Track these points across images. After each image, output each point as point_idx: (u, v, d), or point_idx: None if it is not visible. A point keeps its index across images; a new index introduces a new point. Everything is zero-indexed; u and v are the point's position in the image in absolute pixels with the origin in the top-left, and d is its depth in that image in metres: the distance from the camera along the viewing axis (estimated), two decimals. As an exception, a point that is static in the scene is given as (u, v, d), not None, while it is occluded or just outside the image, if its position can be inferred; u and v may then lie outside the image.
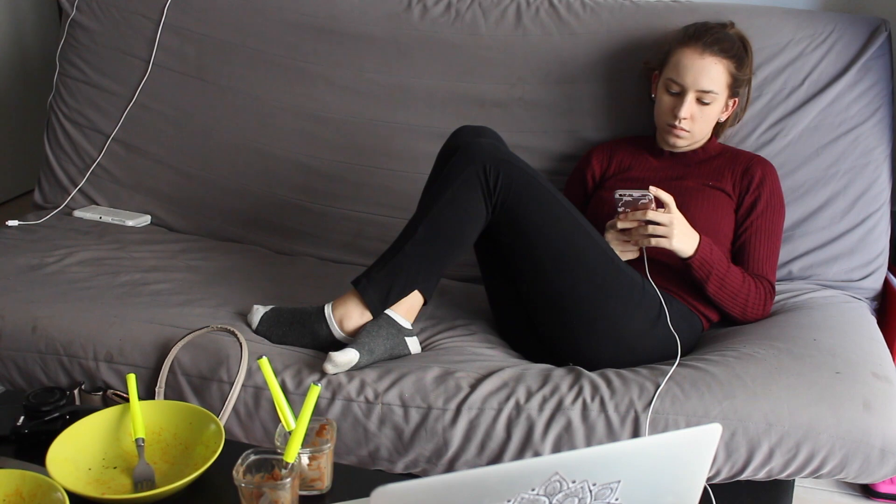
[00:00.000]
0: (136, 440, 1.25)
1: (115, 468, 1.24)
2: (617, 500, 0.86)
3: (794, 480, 1.60)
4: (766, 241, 1.78)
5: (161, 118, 2.32)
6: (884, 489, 1.88)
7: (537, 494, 0.82)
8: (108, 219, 2.28)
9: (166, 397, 1.63)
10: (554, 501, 0.83)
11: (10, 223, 2.27)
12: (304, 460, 1.13)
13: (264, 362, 1.20)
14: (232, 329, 1.66)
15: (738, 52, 1.81)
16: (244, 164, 2.26)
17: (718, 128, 1.90)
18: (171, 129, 2.31)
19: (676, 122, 1.78)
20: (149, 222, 2.31)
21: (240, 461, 1.10)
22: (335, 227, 2.18)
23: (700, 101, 1.77)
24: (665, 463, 0.87)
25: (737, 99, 1.85)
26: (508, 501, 0.81)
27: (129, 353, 1.68)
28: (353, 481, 1.22)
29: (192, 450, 1.24)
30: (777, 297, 1.85)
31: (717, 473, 1.47)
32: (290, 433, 1.13)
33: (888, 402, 1.46)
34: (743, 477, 1.47)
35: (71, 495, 1.09)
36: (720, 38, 1.79)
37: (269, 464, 1.11)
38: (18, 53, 3.11)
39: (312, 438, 1.18)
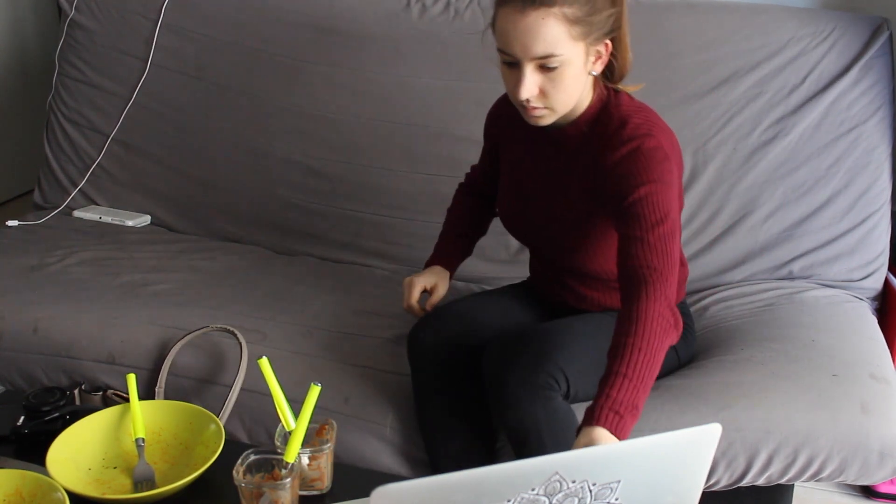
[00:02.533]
0: (136, 440, 1.25)
1: (115, 468, 1.24)
2: (617, 500, 0.86)
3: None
4: (645, 229, 1.36)
5: (160, 118, 2.32)
6: (884, 489, 1.88)
7: (537, 494, 0.82)
8: (107, 219, 2.28)
9: (166, 398, 1.62)
10: (554, 501, 0.83)
11: (10, 223, 2.27)
12: (304, 460, 1.13)
13: (264, 363, 1.20)
14: (232, 329, 1.66)
15: None
16: (244, 164, 2.25)
17: (604, 76, 1.44)
18: (171, 129, 2.31)
19: (525, 103, 1.36)
20: (149, 222, 2.31)
21: (240, 461, 1.10)
22: (335, 227, 2.18)
23: (544, 68, 1.32)
24: (665, 463, 0.87)
25: (607, 41, 1.36)
26: (508, 501, 0.81)
27: (130, 355, 1.68)
28: (353, 481, 1.22)
29: (192, 450, 1.24)
30: (779, 293, 1.85)
31: (717, 482, 1.46)
32: (290, 433, 1.13)
33: (886, 404, 1.46)
34: (742, 484, 1.47)
35: (71, 495, 1.09)
36: None
37: (269, 464, 1.11)
38: (18, 53, 3.11)
39: (312, 438, 1.18)
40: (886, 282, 1.94)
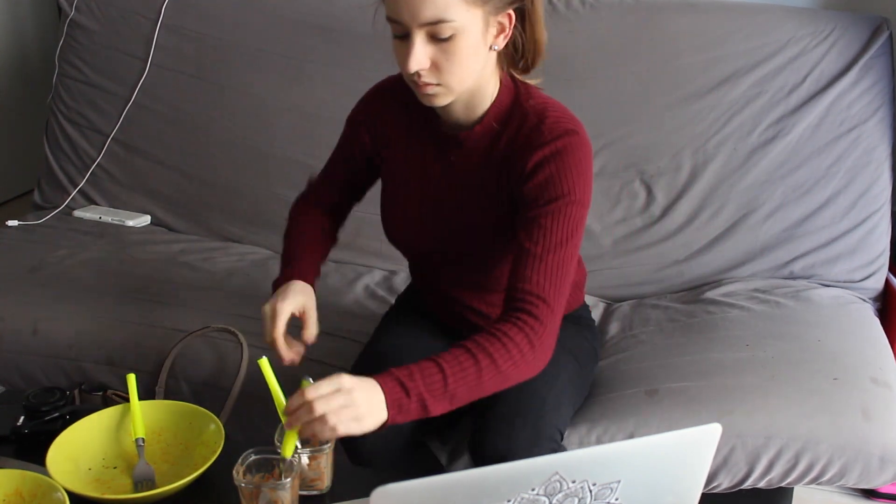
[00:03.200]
0: (136, 440, 1.24)
1: (115, 468, 1.24)
2: (617, 500, 0.86)
3: (794, 482, 1.61)
4: (547, 248, 1.21)
5: (160, 118, 2.32)
6: (885, 490, 1.88)
7: (537, 494, 0.81)
8: (107, 219, 2.28)
9: (166, 398, 1.62)
10: (554, 501, 0.83)
11: (10, 223, 2.27)
12: (304, 460, 1.12)
13: (264, 362, 1.19)
14: (232, 329, 1.66)
15: None
16: (244, 164, 2.25)
17: (511, 61, 1.29)
18: (171, 129, 2.31)
19: (416, 78, 1.20)
20: (149, 222, 2.31)
21: (240, 461, 1.10)
22: (335, 227, 2.18)
23: (436, 39, 1.16)
24: (665, 463, 0.87)
25: (509, 12, 1.20)
26: (508, 501, 0.81)
27: (130, 356, 1.68)
28: (353, 481, 1.22)
29: (192, 450, 1.24)
30: (787, 290, 1.84)
31: (718, 485, 1.46)
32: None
33: (887, 408, 1.46)
34: (743, 487, 1.47)
35: (71, 495, 1.09)
36: None
37: (270, 464, 1.11)
38: (18, 53, 3.11)
39: (313, 439, 1.17)
40: (887, 282, 1.94)
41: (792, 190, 1.94)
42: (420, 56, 1.17)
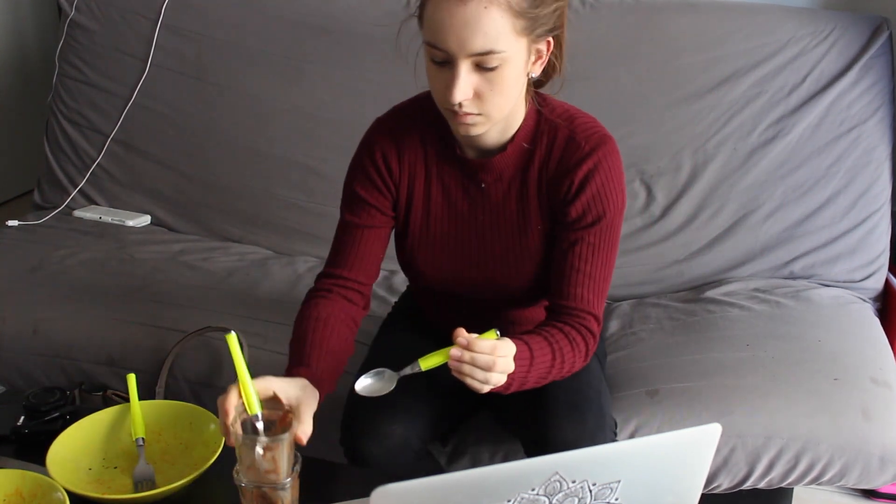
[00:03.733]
0: (136, 440, 1.24)
1: (115, 468, 1.24)
2: (617, 500, 0.86)
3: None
4: (596, 264, 1.24)
5: (160, 118, 2.32)
6: (885, 489, 1.88)
7: (537, 494, 0.81)
8: (107, 219, 2.28)
9: (166, 399, 1.62)
10: (554, 501, 0.83)
11: (10, 223, 2.27)
12: (258, 450, 1.06)
13: (231, 338, 1.09)
14: (232, 329, 1.66)
15: None
16: (244, 164, 2.25)
17: (538, 83, 1.27)
18: (171, 129, 2.31)
19: (456, 108, 1.15)
20: (149, 222, 2.31)
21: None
22: (334, 227, 2.17)
23: (481, 68, 1.13)
24: (665, 463, 0.87)
25: (549, 38, 1.19)
26: (508, 501, 0.81)
27: (130, 356, 1.68)
28: (353, 481, 1.22)
29: (192, 450, 1.24)
30: (787, 290, 1.84)
31: (718, 486, 1.47)
32: (251, 415, 1.08)
33: (887, 409, 1.46)
34: (743, 488, 1.47)
35: (71, 495, 1.09)
36: None
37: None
38: (18, 53, 3.11)
39: (274, 427, 1.11)
40: (887, 282, 1.94)
41: (792, 190, 1.94)
42: (465, 86, 1.13)
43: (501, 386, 1.12)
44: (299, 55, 2.23)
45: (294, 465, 1.07)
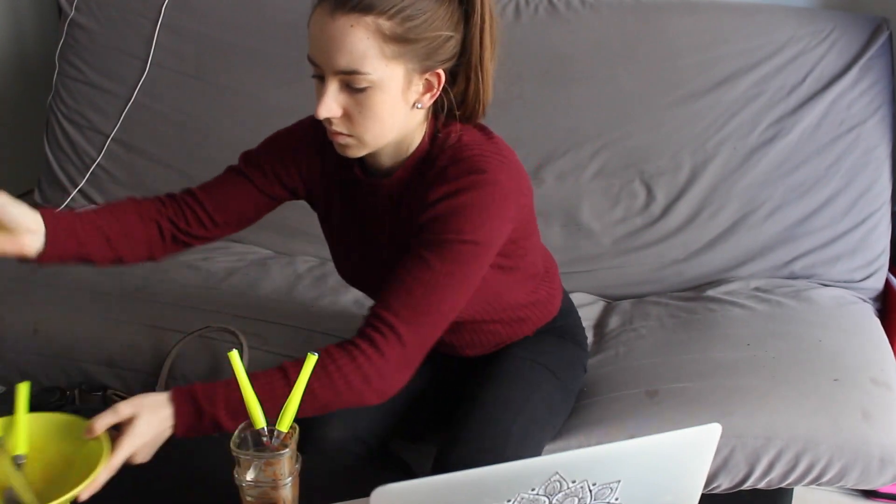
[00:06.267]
0: (15, 457, 1.08)
1: None
2: (617, 499, 0.86)
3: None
4: (420, 280, 1.12)
5: (160, 118, 2.32)
6: (884, 490, 1.88)
7: (537, 494, 0.81)
8: (107, 219, 2.28)
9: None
10: (554, 501, 0.83)
11: (10, 223, 2.26)
12: (251, 474, 1.04)
13: (234, 356, 1.07)
14: (232, 329, 1.66)
15: None
16: (244, 164, 2.25)
17: (447, 114, 1.19)
18: (171, 129, 2.31)
19: (326, 124, 1.15)
20: (149, 222, 2.30)
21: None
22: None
23: (350, 88, 1.10)
24: (665, 463, 0.87)
25: (438, 72, 1.13)
26: (508, 501, 0.81)
27: (130, 357, 1.68)
28: (352, 481, 1.22)
29: (72, 467, 1.07)
30: (787, 289, 1.84)
31: (717, 486, 1.47)
32: (265, 428, 1.05)
33: (887, 410, 1.46)
34: (743, 488, 1.47)
35: None
36: None
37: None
38: (18, 53, 3.11)
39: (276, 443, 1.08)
40: (887, 282, 1.94)
41: (792, 190, 1.94)
42: (331, 103, 1.11)
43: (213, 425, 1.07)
44: (299, 55, 2.20)
45: (294, 463, 1.07)
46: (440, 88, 1.14)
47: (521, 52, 2.10)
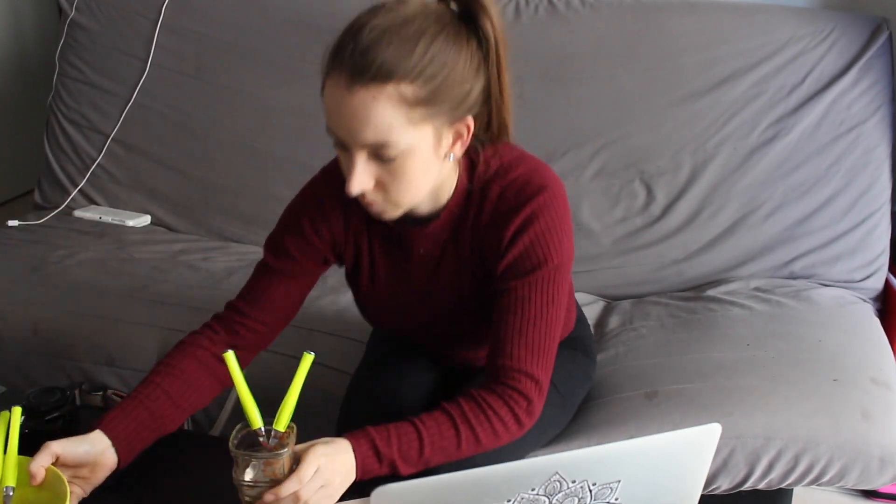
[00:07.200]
0: (5, 489, 1.04)
1: None
2: (617, 499, 0.86)
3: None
4: (527, 319, 1.13)
5: (160, 118, 2.32)
6: (884, 489, 1.88)
7: (537, 494, 0.81)
8: (108, 219, 2.28)
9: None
10: (554, 501, 0.83)
11: (11, 223, 2.27)
12: (250, 473, 1.03)
13: (230, 357, 1.06)
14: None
15: (416, 58, 1.01)
16: (244, 164, 2.25)
17: (475, 153, 1.16)
18: (171, 129, 2.31)
19: (359, 198, 1.09)
20: (149, 222, 2.31)
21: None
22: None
23: (380, 157, 1.04)
24: (665, 463, 0.87)
25: (468, 118, 1.08)
26: (508, 501, 0.81)
27: (130, 357, 1.67)
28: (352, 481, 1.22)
29: None
30: (787, 289, 1.84)
31: (717, 487, 1.46)
32: (261, 428, 1.04)
33: (887, 410, 1.46)
34: (743, 489, 1.47)
35: None
36: (368, 46, 1.03)
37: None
38: (18, 53, 3.11)
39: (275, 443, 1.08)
40: (887, 282, 1.94)
41: (792, 190, 1.94)
42: (363, 178, 1.04)
43: (379, 468, 1.06)
44: (299, 55, 2.22)
45: (293, 463, 1.06)
46: (470, 135, 1.09)
47: (521, 52, 2.08)
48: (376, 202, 1.08)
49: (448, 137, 1.07)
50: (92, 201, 2.36)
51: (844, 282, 1.91)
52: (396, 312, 1.28)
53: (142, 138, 2.33)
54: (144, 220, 2.30)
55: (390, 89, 0.99)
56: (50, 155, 2.41)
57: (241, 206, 2.25)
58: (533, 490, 0.81)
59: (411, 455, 1.07)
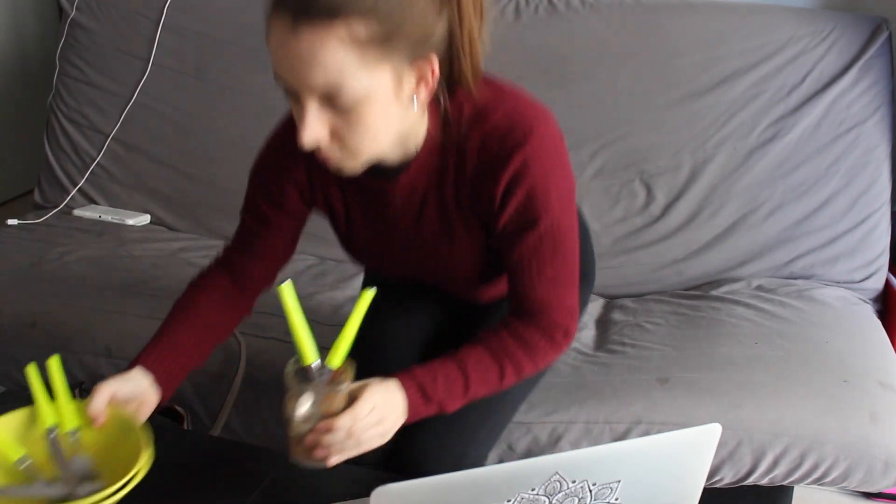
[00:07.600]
0: (70, 433, 1.05)
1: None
2: (617, 499, 0.86)
3: (794, 482, 1.61)
4: (545, 262, 1.10)
5: (160, 118, 2.32)
6: (885, 490, 1.88)
7: (537, 494, 0.81)
8: (107, 218, 2.28)
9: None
10: (554, 501, 0.83)
11: (10, 222, 2.27)
12: (305, 408, 1.00)
13: (287, 287, 1.00)
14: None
15: None
16: (244, 164, 2.24)
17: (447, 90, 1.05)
18: (171, 129, 2.31)
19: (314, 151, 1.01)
20: (148, 221, 2.31)
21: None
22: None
23: (332, 105, 0.94)
24: (665, 463, 0.87)
25: (432, 57, 0.97)
26: (508, 501, 0.81)
27: (128, 348, 1.67)
28: (353, 481, 1.22)
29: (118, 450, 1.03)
30: (790, 289, 1.84)
31: (721, 479, 1.47)
32: (314, 363, 1.00)
33: (894, 413, 1.46)
34: (746, 483, 1.47)
35: None
36: None
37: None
38: (18, 53, 3.11)
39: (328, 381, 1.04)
40: (887, 282, 1.94)
41: (792, 190, 1.94)
42: (314, 127, 0.95)
43: (426, 410, 1.07)
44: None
45: (348, 402, 1.02)
46: (434, 78, 0.99)
47: (521, 52, 2.10)
48: (333, 156, 0.99)
49: (410, 80, 0.97)
50: (92, 201, 2.36)
51: (844, 282, 1.91)
52: (381, 258, 1.25)
53: (142, 138, 2.33)
54: (144, 219, 2.30)
55: (339, 27, 0.89)
56: (50, 154, 2.41)
57: (240, 205, 2.24)
58: (533, 490, 0.81)
59: (456, 393, 1.09)
